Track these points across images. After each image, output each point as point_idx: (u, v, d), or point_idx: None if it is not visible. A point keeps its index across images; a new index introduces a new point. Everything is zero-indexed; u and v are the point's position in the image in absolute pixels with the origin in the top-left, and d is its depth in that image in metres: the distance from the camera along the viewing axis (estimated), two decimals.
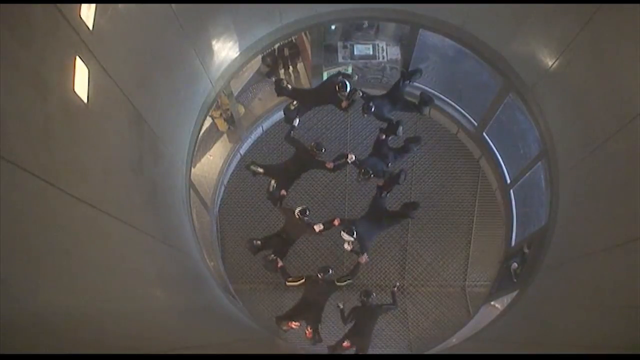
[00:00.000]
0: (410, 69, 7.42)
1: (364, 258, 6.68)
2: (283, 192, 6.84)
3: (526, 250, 6.52)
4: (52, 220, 2.48)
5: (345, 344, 6.61)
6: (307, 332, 6.54)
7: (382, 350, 9.30)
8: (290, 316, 6.55)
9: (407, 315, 9.99)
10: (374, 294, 6.75)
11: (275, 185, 6.82)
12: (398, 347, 9.39)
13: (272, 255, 6.75)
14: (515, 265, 6.78)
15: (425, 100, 7.42)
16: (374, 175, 6.88)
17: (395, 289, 7.16)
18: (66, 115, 2.78)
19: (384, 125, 7.34)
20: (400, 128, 7.19)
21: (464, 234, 9.90)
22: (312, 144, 6.86)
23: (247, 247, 6.95)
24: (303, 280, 6.62)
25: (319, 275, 6.56)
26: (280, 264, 6.72)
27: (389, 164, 7.23)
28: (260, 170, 6.82)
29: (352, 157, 6.99)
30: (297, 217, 6.60)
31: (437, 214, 9.89)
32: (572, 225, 5.05)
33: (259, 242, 6.79)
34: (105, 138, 3.42)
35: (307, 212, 6.66)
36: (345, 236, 6.52)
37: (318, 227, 6.69)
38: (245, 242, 6.98)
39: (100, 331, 2.57)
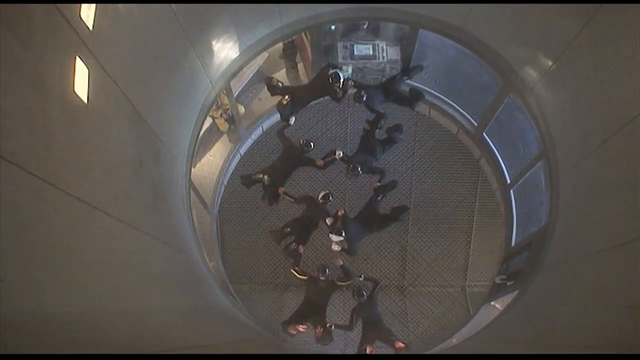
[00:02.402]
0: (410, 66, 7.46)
1: (339, 261, 6.80)
2: (281, 188, 6.89)
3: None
4: (51, 220, 2.48)
5: (368, 349, 6.65)
6: (316, 332, 6.56)
7: (382, 351, 9.29)
8: (295, 320, 6.57)
9: (407, 315, 9.99)
10: (365, 292, 6.79)
11: (267, 179, 6.83)
12: None
13: (294, 244, 6.88)
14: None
15: (416, 95, 7.48)
16: (362, 172, 6.92)
17: (362, 278, 7.21)
18: (66, 115, 2.78)
19: (371, 117, 7.43)
20: (382, 121, 7.29)
21: (464, 234, 9.91)
22: (302, 141, 6.88)
23: (272, 238, 7.11)
24: (306, 277, 6.64)
25: (321, 276, 6.59)
26: (301, 249, 6.83)
27: (378, 157, 7.29)
28: (260, 175, 6.85)
29: (339, 154, 7.04)
30: (321, 201, 6.76)
31: (437, 214, 9.89)
32: (572, 225, 5.04)
33: (288, 229, 6.97)
34: (105, 138, 3.42)
35: (331, 197, 6.82)
36: (334, 237, 6.59)
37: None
38: (270, 234, 7.17)
39: (100, 331, 2.57)
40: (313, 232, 7.27)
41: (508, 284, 6.66)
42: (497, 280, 6.86)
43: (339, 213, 6.79)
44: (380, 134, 7.44)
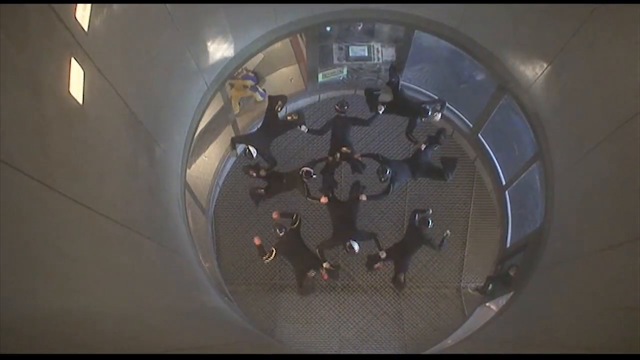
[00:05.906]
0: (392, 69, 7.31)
1: (324, 199, 6.71)
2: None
3: (511, 273, 6.63)
4: (48, 222, 2.47)
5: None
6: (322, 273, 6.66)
7: (377, 351, 9.29)
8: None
9: (402, 316, 9.98)
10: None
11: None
12: (393, 348, 9.38)
13: (262, 190, 6.91)
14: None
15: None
16: (390, 181, 6.63)
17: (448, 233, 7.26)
18: (62, 116, 2.76)
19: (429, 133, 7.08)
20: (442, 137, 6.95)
21: (459, 235, 9.89)
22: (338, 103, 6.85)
23: (250, 193, 7.07)
24: (274, 253, 6.56)
25: (281, 231, 6.56)
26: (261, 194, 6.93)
27: (415, 176, 7.05)
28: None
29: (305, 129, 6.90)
30: (301, 174, 6.55)
31: (433, 215, 9.86)
32: (568, 227, 5.07)
33: (262, 191, 6.93)
34: (101, 139, 3.40)
35: (312, 175, 6.58)
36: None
37: (324, 200, 6.72)
38: (249, 190, 7.08)
39: (96, 332, 2.56)
40: (282, 191, 7.15)
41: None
42: (511, 272, 6.73)
43: (322, 200, 6.69)
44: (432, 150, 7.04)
